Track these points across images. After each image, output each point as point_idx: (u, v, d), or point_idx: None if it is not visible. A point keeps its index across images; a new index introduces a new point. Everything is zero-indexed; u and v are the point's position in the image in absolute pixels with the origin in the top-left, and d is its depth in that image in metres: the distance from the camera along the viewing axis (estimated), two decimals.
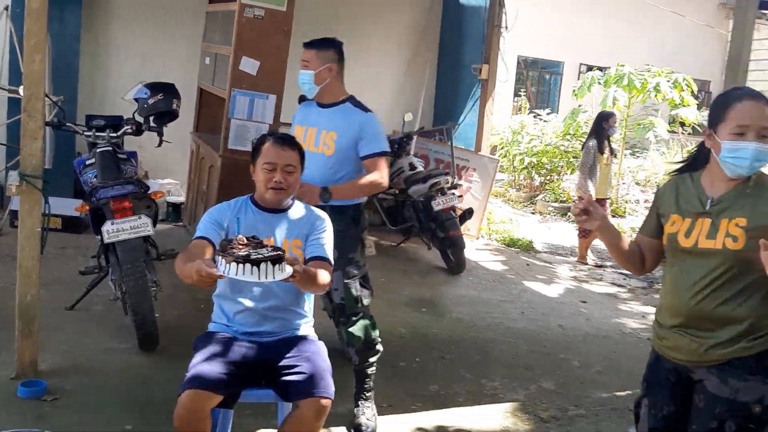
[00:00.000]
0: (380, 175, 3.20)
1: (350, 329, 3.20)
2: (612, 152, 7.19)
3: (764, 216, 2.01)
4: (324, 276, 2.50)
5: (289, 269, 2.22)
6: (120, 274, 3.75)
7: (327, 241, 2.64)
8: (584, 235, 7.05)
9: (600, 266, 7.12)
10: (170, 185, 6.79)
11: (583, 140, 7.42)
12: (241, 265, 2.14)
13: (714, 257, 2.04)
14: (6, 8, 5.96)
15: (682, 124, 10.79)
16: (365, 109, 3.26)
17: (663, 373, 2.21)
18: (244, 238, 2.29)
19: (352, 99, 3.30)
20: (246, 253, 2.18)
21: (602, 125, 6.86)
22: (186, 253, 2.41)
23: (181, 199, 6.70)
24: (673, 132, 11.78)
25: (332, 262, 2.64)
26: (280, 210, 2.63)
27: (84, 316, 4.18)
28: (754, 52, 14.70)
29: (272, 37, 4.97)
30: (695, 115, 9.44)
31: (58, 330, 3.87)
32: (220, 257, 2.20)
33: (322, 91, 3.25)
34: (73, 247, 5.49)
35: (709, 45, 14.43)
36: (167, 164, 6.85)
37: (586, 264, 7.13)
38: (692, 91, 9.56)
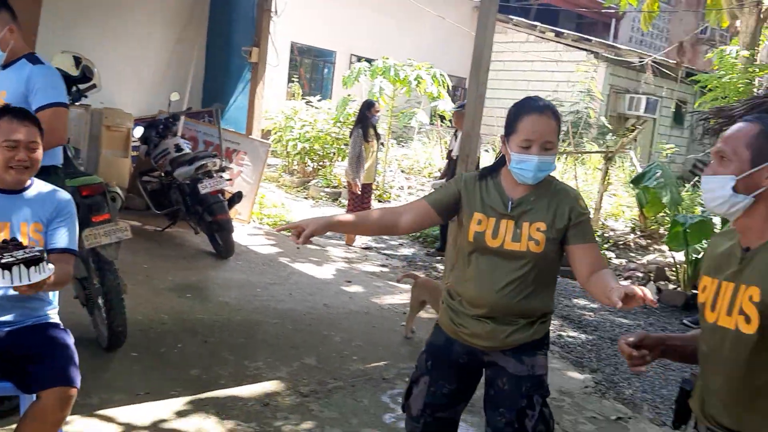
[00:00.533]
0: (54, 126, 3.02)
1: None
2: (378, 138, 7.57)
3: (559, 220, 2.23)
4: (71, 272, 2.42)
5: (49, 268, 2.12)
6: None
7: (72, 228, 2.52)
8: None
9: (367, 248, 7.49)
10: None
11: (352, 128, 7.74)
12: None
13: (519, 258, 2.23)
14: None
15: (442, 118, 11.70)
16: (36, 61, 3.11)
17: (453, 356, 2.36)
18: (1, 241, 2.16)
19: (28, 55, 3.14)
20: None
21: (366, 114, 7.21)
22: None
23: None
24: (432, 124, 12.74)
25: (76, 251, 2.52)
26: (17, 191, 2.44)
27: None
28: (502, 53, 16.13)
29: (20, 2, 4.50)
30: (451, 108, 10.28)
31: None
32: None
33: (9, 54, 3.12)
34: None
35: (465, 45, 15.66)
36: None
37: (353, 246, 7.48)
38: (448, 87, 10.41)
